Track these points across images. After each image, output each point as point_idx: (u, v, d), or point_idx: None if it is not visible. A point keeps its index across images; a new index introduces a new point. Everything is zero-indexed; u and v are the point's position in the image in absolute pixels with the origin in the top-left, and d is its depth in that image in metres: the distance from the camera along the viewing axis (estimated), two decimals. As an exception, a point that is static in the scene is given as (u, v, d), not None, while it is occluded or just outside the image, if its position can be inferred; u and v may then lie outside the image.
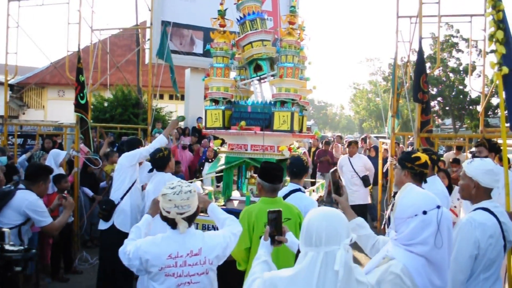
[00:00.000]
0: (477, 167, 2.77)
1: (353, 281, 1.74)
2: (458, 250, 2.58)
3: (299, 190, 3.86)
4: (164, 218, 2.60)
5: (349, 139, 11.82)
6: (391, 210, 2.16)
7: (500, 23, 3.53)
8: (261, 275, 2.05)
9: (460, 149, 9.23)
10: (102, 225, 5.19)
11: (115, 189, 5.23)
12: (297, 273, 1.81)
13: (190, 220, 2.60)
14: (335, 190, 2.87)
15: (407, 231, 2.01)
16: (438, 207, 1.98)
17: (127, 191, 5.16)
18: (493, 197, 2.79)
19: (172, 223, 2.58)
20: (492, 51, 3.60)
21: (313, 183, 7.15)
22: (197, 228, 3.35)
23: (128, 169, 5.19)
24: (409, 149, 9.13)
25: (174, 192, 2.53)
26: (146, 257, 2.54)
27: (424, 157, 3.10)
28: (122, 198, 5.13)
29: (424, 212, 1.97)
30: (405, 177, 3.12)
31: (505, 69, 3.50)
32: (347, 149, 8.73)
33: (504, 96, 3.54)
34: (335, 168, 3.00)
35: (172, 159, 4.99)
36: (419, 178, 3.14)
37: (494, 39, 3.54)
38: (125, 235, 4.74)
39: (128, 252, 2.60)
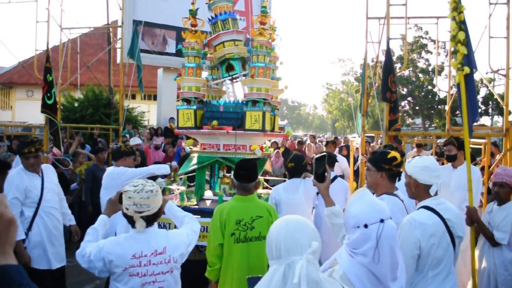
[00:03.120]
0: (414, 165, 2.78)
1: None
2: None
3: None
4: (125, 215, 2.57)
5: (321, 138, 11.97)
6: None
7: (462, 24, 3.65)
8: None
9: (420, 146, 9.37)
10: None
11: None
12: None
13: (149, 220, 2.56)
14: (316, 175, 2.82)
15: (352, 240, 1.97)
16: (382, 221, 1.90)
17: None
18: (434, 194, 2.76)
19: (132, 221, 2.55)
20: (454, 52, 3.72)
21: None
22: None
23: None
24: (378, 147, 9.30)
25: (135, 190, 2.49)
26: (109, 258, 2.48)
27: (398, 156, 2.98)
28: None
29: (365, 226, 1.90)
30: (382, 179, 2.94)
31: (467, 69, 3.62)
32: (324, 148, 8.81)
33: (465, 95, 3.66)
34: (324, 153, 2.87)
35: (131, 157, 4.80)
36: (395, 178, 2.98)
37: (456, 40, 3.65)
38: None
39: (88, 254, 2.52)
